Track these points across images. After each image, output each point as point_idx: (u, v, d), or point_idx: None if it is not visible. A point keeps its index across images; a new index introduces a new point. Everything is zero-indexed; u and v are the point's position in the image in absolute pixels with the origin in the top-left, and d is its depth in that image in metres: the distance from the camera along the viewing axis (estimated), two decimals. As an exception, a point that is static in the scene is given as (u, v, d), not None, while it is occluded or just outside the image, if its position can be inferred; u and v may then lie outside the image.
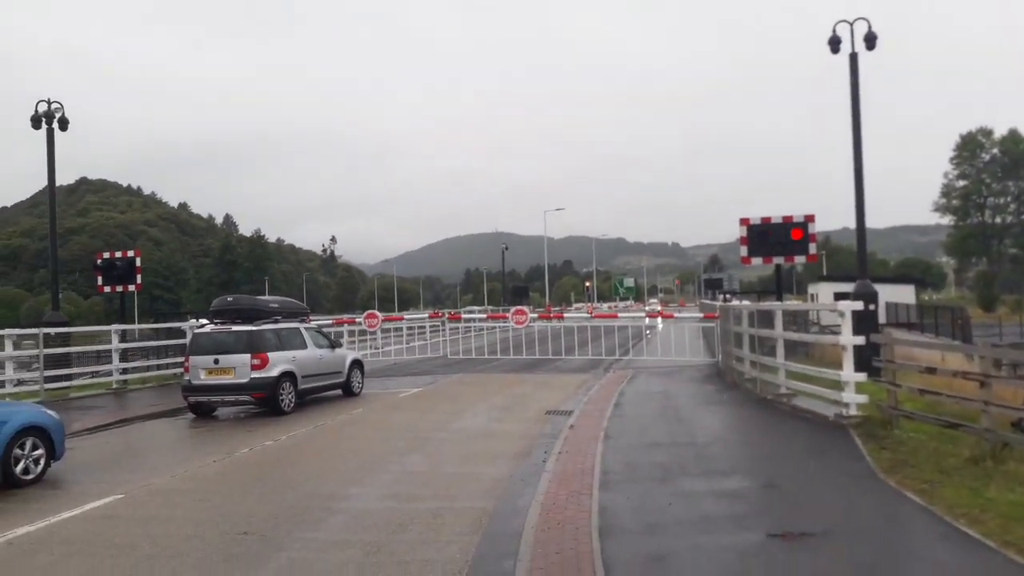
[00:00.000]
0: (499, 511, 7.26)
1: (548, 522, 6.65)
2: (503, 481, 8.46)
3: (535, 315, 26.17)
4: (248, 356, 14.04)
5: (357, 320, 26.17)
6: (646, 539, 6.15)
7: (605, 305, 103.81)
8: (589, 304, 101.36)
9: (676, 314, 31.96)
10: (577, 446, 9.97)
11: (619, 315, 39.91)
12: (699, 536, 6.17)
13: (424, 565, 5.82)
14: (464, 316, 34.01)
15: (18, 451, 8.81)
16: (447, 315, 29.65)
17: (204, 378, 14.23)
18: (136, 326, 24.77)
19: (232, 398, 14.33)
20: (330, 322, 27.01)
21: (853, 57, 17.05)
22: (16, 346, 18.50)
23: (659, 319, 28.86)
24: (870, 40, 16.93)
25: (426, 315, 31.20)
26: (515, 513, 7.09)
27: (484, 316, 34.10)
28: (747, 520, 6.61)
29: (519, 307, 24.88)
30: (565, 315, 31.74)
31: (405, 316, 33.85)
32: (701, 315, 27.91)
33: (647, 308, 51.55)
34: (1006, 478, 7.09)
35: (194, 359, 14.37)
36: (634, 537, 6.21)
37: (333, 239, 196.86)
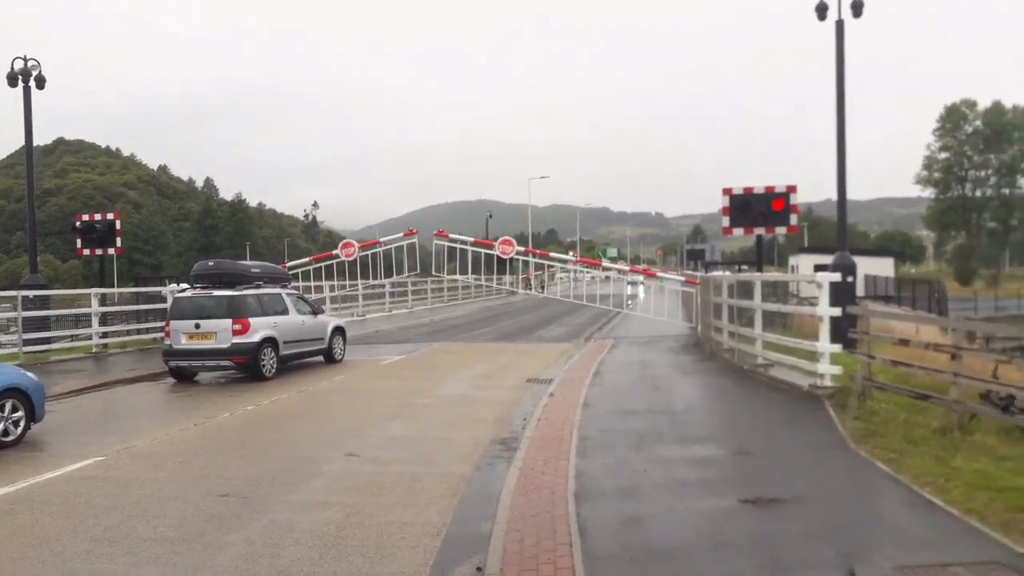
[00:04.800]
0: (477, 476, 7.39)
1: (525, 486, 6.76)
2: (482, 446, 8.58)
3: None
4: (229, 321, 14.01)
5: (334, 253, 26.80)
6: (621, 503, 6.29)
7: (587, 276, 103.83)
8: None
9: (658, 273, 32.40)
10: (556, 413, 10.10)
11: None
12: (673, 501, 6.31)
13: (403, 527, 5.92)
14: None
15: (-3, 413, 8.79)
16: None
17: (185, 343, 14.19)
18: (116, 290, 24.59)
19: (213, 363, 14.33)
20: (308, 266, 27.49)
21: (839, 24, 17.05)
22: (-6, 308, 18.32)
23: (640, 288, 29.04)
24: (857, 7, 16.93)
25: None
26: (493, 478, 7.21)
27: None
28: (720, 486, 6.76)
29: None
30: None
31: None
32: (682, 279, 28.20)
33: (628, 279, 51.61)
34: (972, 448, 7.28)
35: (175, 324, 14.31)
36: (609, 501, 6.35)
37: (315, 204, 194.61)
